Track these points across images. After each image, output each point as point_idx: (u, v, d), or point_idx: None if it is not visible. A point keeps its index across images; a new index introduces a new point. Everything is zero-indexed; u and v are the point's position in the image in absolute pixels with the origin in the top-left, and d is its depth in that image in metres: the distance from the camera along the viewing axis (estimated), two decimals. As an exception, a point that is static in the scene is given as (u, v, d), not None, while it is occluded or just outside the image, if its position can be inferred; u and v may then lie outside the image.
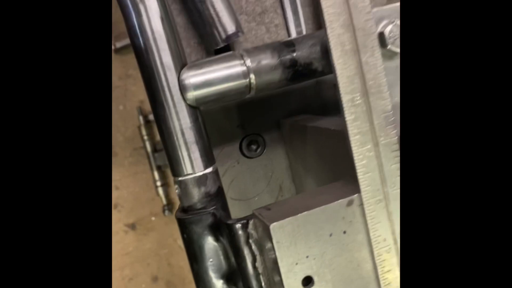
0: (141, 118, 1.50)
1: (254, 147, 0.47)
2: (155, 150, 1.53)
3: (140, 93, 1.55)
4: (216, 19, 0.40)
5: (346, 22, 0.27)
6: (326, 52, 0.36)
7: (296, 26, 0.48)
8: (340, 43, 0.27)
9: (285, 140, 0.47)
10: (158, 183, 1.54)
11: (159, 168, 1.54)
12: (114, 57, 1.48)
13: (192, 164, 0.35)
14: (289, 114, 0.47)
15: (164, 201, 1.56)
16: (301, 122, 0.42)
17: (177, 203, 1.71)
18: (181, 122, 0.34)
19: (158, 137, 1.58)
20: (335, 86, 0.46)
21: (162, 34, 0.33)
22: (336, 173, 0.38)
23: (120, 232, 1.60)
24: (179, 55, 0.34)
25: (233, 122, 0.46)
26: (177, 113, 0.34)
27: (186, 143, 0.35)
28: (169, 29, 0.34)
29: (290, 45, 0.36)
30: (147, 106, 1.56)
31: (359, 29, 0.27)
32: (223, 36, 0.40)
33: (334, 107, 0.48)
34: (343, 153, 0.35)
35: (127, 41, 1.46)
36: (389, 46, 0.28)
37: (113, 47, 1.45)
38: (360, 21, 0.27)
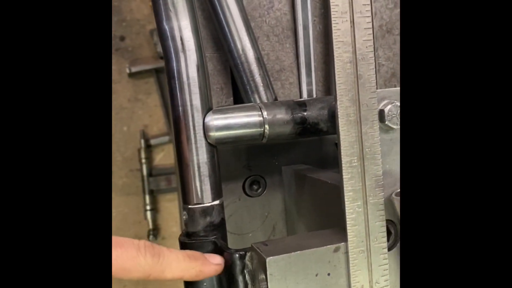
0: (142, 141, 1.54)
1: (255, 187, 0.52)
2: (150, 174, 1.57)
3: (145, 118, 1.60)
4: (254, 89, 0.47)
5: (353, 98, 0.33)
6: (332, 116, 0.41)
7: (308, 86, 0.54)
8: (346, 114, 0.33)
9: (285, 185, 0.52)
10: (148, 207, 1.57)
11: (151, 193, 1.57)
12: (127, 80, 1.55)
13: (202, 195, 0.40)
14: (291, 162, 0.52)
15: (151, 226, 1.58)
16: (301, 171, 0.47)
17: (163, 229, 1.72)
18: (199, 157, 0.39)
19: (155, 162, 1.62)
20: (336, 144, 0.51)
21: (196, 81, 0.39)
22: (326, 222, 0.43)
23: (102, 250, 1.60)
24: (207, 99, 0.40)
25: (240, 162, 0.51)
26: (197, 148, 0.39)
27: (200, 176, 0.39)
28: (202, 76, 0.39)
29: (302, 105, 0.42)
30: (150, 131, 1.61)
31: (363, 104, 0.33)
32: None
33: (332, 162, 0.53)
34: (335, 205, 0.40)
35: (142, 67, 1.53)
36: (386, 122, 0.33)
37: (128, 71, 1.52)
38: (365, 98, 0.33)
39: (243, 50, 0.48)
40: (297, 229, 0.49)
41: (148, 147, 1.57)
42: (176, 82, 0.39)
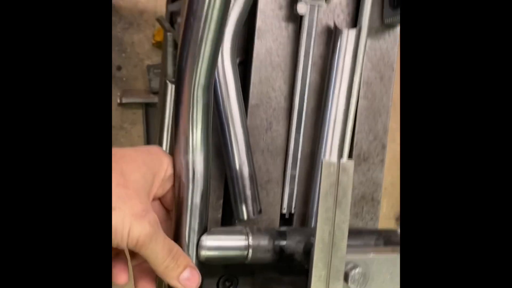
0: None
1: (228, 284, 0.58)
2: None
3: (126, 145, 1.64)
4: (243, 200, 0.54)
5: (327, 262, 0.40)
6: (307, 251, 0.49)
7: (289, 202, 0.61)
8: (319, 275, 0.40)
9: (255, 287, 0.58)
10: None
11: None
12: (116, 108, 1.59)
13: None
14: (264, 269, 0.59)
15: None
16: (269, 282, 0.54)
17: None
18: (189, 270, 0.46)
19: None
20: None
21: (198, 207, 0.46)
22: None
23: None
24: (203, 222, 0.46)
25: (219, 260, 0.57)
26: (188, 263, 0.46)
27: (186, 287, 0.46)
28: (205, 203, 0.46)
29: (283, 234, 0.49)
30: (129, 160, 1.64)
31: (333, 267, 0.41)
32: (244, 217, 0.54)
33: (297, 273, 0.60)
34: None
35: (133, 99, 1.59)
36: (349, 284, 0.41)
37: (118, 101, 1.56)
38: (336, 263, 0.41)
39: (240, 166, 0.55)
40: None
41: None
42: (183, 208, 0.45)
